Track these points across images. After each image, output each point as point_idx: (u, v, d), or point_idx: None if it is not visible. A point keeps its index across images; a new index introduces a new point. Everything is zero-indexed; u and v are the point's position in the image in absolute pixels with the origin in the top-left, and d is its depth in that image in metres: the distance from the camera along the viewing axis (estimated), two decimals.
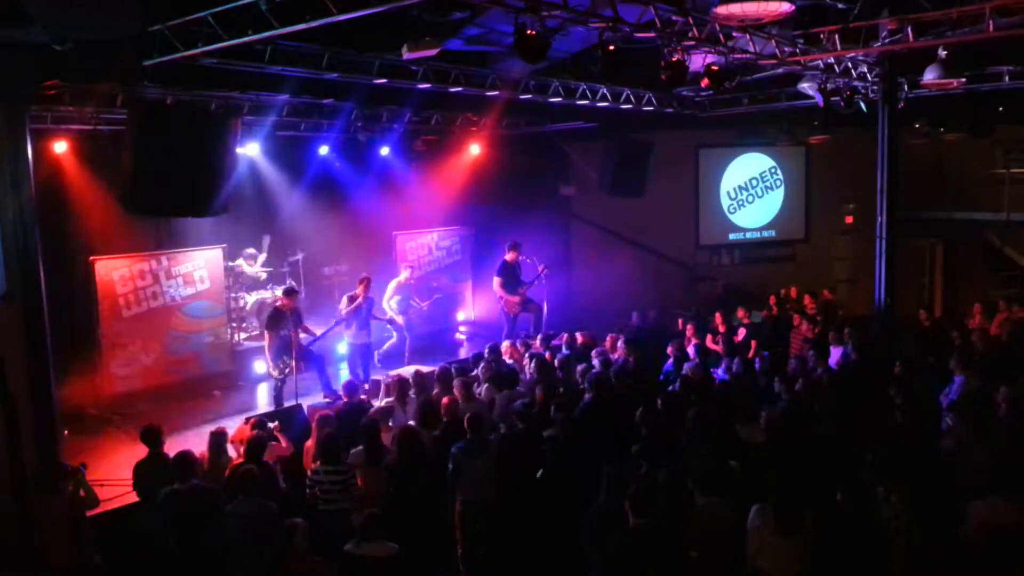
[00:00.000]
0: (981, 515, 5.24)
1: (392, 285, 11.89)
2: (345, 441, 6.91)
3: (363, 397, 8.69)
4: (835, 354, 10.03)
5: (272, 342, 9.79)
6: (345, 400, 8.34)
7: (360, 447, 6.83)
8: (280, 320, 9.80)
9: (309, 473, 6.64)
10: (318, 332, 10.55)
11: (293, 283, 12.14)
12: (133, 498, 7.40)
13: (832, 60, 9.64)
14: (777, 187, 18.25)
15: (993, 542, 5.13)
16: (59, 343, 8.10)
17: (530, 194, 15.05)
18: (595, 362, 9.24)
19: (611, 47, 7.03)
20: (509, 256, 12.21)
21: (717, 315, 12.11)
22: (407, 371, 10.04)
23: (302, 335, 9.91)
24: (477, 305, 14.93)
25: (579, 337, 10.65)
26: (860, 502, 5.31)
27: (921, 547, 5.34)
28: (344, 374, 10.86)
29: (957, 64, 8.89)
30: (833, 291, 13.78)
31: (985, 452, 6.13)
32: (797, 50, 8.89)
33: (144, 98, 8.65)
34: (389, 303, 11.72)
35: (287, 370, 9.70)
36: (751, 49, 8.46)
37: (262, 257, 12.89)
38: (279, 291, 12.57)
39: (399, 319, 11.70)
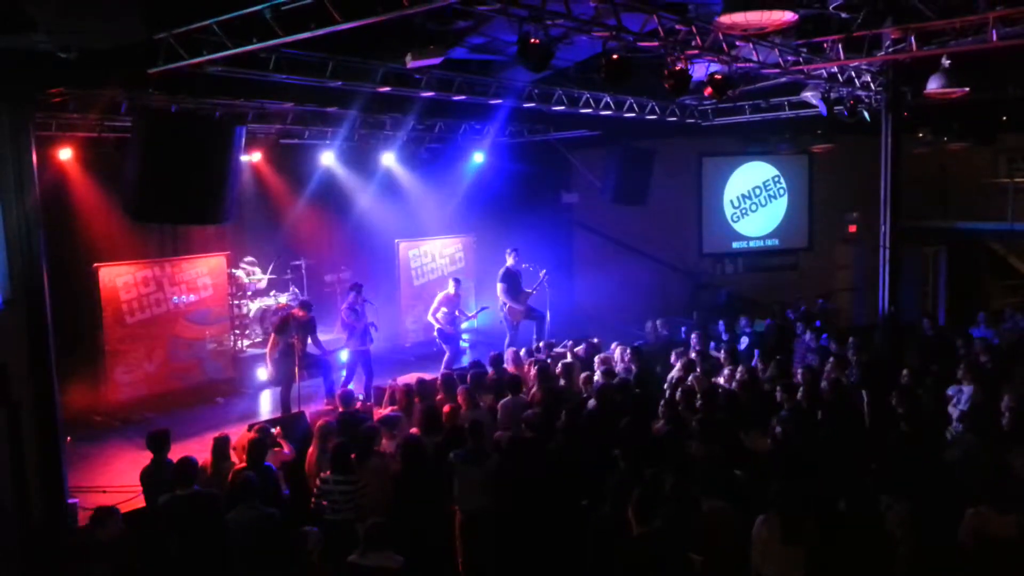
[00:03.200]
0: (972, 523, 5.25)
1: (439, 297, 11.91)
2: None
3: (359, 406, 8.67)
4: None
5: (275, 347, 9.82)
6: (341, 410, 8.32)
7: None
8: (287, 327, 9.82)
9: (317, 482, 6.62)
10: (327, 347, 10.64)
11: (298, 294, 12.21)
12: (136, 504, 7.42)
13: (835, 69, 9.64)
14: (780, 196, 18.25)
15: (984, 550, 5.13)
16: (62, 349, 8.10)
17: (533, 202, 15.06)
18: (598, 370, 9.24)
19: (615, 56, 7.04)
20: (509, 261, 12.23)
21: (721, 324, 12.10)
22: (410, 378, 10.04)
23: (310, 344, 9.96)
24: (480, 313, 14.91)
25: (583, 345, 10.65)
26: (864, 511, 5.30)
27: (925, 556, 5.33)
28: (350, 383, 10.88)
29: (960, 73, 8.89)
30: (829, 298, 13.75)
31: (989, 461, 6.12)
32: (800, 59, 8.90)
33: (149, 106, 8.68)
34: (436, 315, 11.75)
35: (291, 377, 9.73)
36: (754, 58, 8.47)
37: (261, 274, 12.89)
38: (283, 298, 12.65)
39: (449, 329, 11.71)
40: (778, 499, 5.17)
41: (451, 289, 11.93)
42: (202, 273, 11.53)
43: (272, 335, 9.97)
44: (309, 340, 10.09)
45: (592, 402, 8.01)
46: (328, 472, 6.50)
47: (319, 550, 5.33)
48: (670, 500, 5.43)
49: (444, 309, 11.75)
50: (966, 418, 7.67)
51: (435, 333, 11.86)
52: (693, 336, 11.12)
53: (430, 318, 11.81)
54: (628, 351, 9.96)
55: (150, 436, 6.96)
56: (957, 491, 5.89)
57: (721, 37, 7.85)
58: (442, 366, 11.38)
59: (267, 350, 10.04)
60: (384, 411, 8.57)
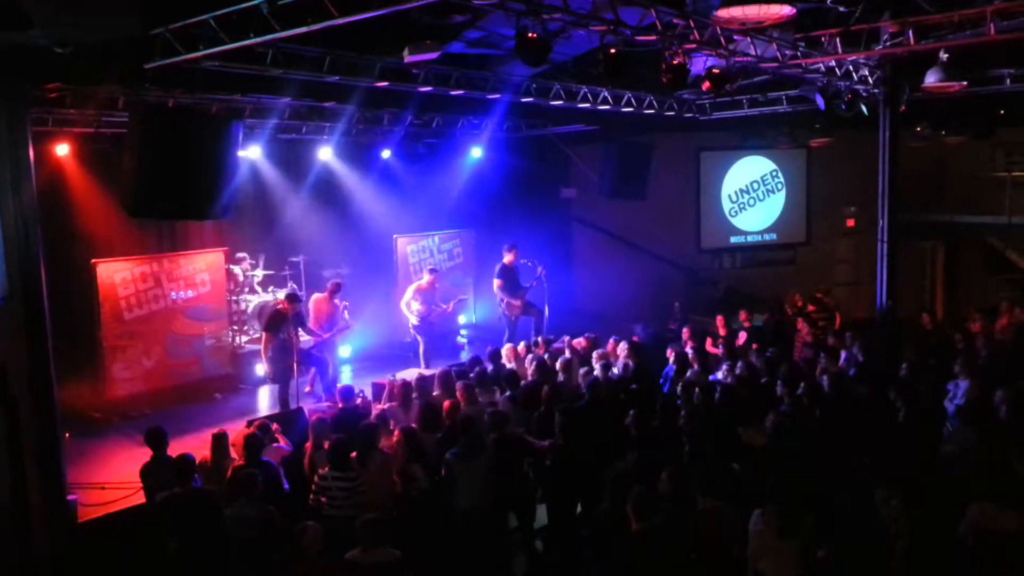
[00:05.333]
0: (975, 518, 5.25)
1: (411, 289, 11.87)
2: None
3: (359, 402, 8.67)
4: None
5: (269, 344, 9.81)
6: (340, 406, 8.31)
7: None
8: (280, 323, 9.80)
9: (316, 478, 6.61)
10: (324, 335, 10.62)
11: (296, 288, 12.13)
12: (134, 501, 7.42)
13: (833, 63, 9.63)
14: (778, 190, 18.24)
15: (986, 546, 5.14)
16: (60, 346, 8.09)
17: (531, 197, 15.05)
18: (595, 365, 9.24)
19: (612, 50, 7.03)
20: (507, 258, 12.22)
21: (718, 318, 12.09)
22: (409, 374, 10.03)
23: (304, 337, 9.93)
24: (478, 308, 14.92)
25: (581, 340, 10.64)
26: (859, 505, 5.31)
27: (921, 550, 5.34)
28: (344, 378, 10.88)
29: (958, 67, 8.88)
30: (828, 293, 13.75)
31: (986, 455, 6.13)
32: (798, 53, 8.88)
33: (145, 101, 8.66)
34: (408, 306, 11.70)
35: (288, 373, 9.73)
36: (752, 52, 8.45)
37: (259, 272, 12.86)
38: (280, 294, 12.63)
39: (415, 320, 11.66)
40: (774, 493, 5.18)
41: (424, 281, 11.85)
42: (200, 269, 11.52)
43: (264, 333, 9.95)
44: (302, 334, 10.08)
45: (587, 398, 8.01)
46: (326, 468, 6.50)
47: (317, 546, 5.33)
48: (668, 497, 5.43)
49: (416, 301, 11.69)
50: (961, 412, 7.68)
51: (410, 325, 11.80)
52: (685, 331, 11.14)
53: (402, 308, 11.73)
54: (623, 345, 9.96)
55: (148, 433, 6.97)
56: (954, 485, 5.91)
57: (719, 31, 7.84)
58: (420, 360, 11.37)
59: (261, 348, 10.02)
60: (383, 407, 8.57)
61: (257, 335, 12.30)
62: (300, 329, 9.99)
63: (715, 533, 5.29)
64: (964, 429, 6.91)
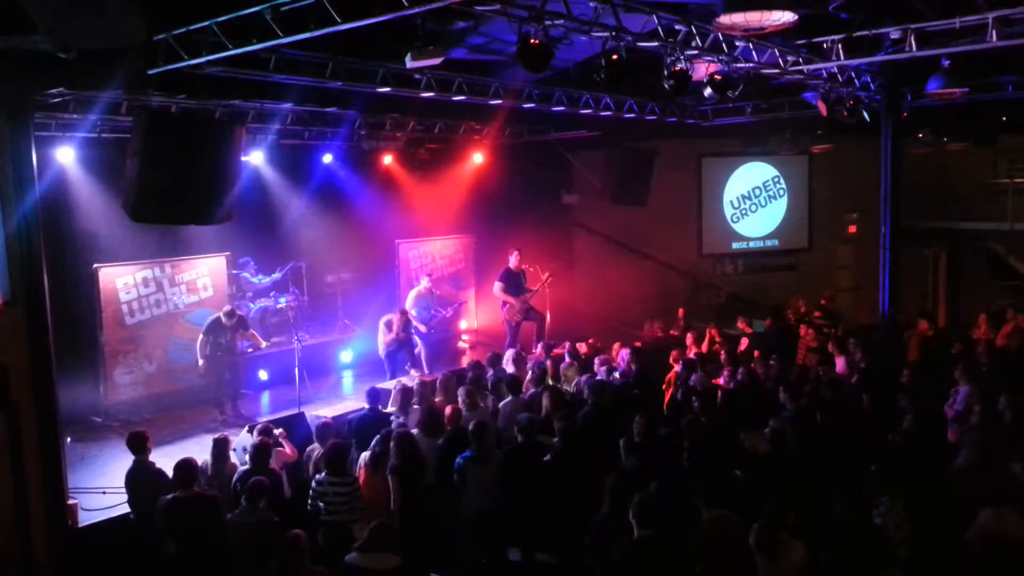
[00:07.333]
0: (985, 524, 5.23)
1: (412, 295, 11.87)
2: (360, 448, 6.93)
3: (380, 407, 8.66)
4: (838, 364, 10.01)
5: (205, 344, 10.04)
6: (368, 407, 8.28)
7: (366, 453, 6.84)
8: (218, 329, 10.05)
9: (313, 483, 6.60)
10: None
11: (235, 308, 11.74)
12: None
13: (835, 70, 9.64)
14: (780, 196, 18.25)
15: (994, 552, 5.12)
16: (62, 350, 8.09)
17: (533, 202, 15.06)
18: (598, 370, 9.23)
19: (614, 56, 7.05)
20: (512, 263, 12.22)
21: (721, 325, 12.10)
22: (408, 380, 10.02)
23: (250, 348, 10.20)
24: (480, 314, 14.92)
25: (582, 346, 10.64)
26: (857, 512, 5.29)
27: (925, 557, 5.32)
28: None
29: (960, 74, 8.89)
30: (832, 300, 13.73)
31: (998, 462, 6.12)
32: (800, 59, 8.90)
33: (149, 106, 8.68)
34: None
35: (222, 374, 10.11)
36: (754, 58, 8.47)
37: (261, 277, 12.86)
38: (282, 300, 12.62)
39: (421, 327, 11.68)
40: (770, 502, 5.15)
41: (422, 286, 11.87)
42: (202, 274, 11.53)
43: (202, 335, 10.13)
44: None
45: (589, 403, 7.99)
46: (323, 473, 6.49)
47: (307, 552, 5.32)
48: (670, 503, 5.41)
49: (414, 310, 11.70)
50: (960, 418, 7.67)
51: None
52: (688, 336, 11.14)
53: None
54: (627, 352, 9.95)
55: (130, 438, 6.97)
56: (958, 492, 5.89)
57: (721, 37, 7.85)
58: (423, 365, 11.39)
59: (198, 345, 10.17)
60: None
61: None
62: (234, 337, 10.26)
63: (721, 543, 5.25)
64: (974, 435, 6.89)
